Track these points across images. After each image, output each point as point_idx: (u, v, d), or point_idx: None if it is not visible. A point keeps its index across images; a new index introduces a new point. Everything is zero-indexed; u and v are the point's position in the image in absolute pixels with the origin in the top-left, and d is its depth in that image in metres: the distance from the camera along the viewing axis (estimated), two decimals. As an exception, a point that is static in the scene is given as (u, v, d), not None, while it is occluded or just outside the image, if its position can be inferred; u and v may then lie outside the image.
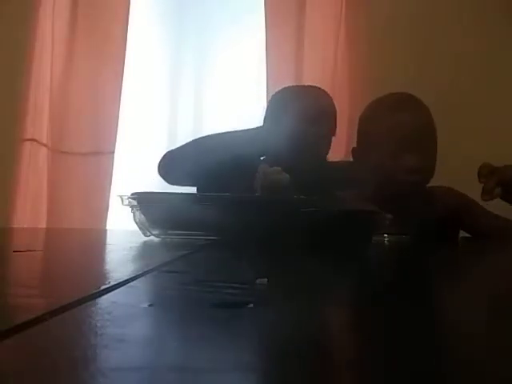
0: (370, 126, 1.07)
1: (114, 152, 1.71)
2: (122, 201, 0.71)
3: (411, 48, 1.63)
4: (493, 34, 1.59)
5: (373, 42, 1.63)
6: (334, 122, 1.20)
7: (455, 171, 1.30)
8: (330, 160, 1.51)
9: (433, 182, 1.13)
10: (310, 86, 1.31)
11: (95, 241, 0.88)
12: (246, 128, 1.19)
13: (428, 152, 1.02)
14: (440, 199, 1.11)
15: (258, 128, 1.19)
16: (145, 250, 0.63)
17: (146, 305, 0.26)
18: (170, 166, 1.14)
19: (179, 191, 1.14)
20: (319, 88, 1.28)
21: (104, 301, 0.25)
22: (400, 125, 1.00)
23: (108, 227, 1.67)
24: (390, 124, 1.02)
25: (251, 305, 0.25)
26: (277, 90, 1.31)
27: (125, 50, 1.72)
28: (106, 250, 0.67)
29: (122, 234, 1.05)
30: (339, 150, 1.64)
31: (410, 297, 0.32)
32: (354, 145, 1.21)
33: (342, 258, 0.50)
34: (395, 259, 0.62)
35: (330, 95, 1.26)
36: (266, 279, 0.31)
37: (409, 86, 1.56)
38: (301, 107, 1.18)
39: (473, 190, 1.05)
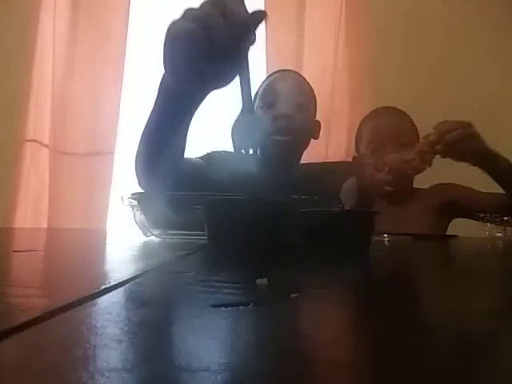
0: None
1: (114, 152, 1.71)
2: (122, 201, 0.71)
3: (411, 48, 1.63)
4: (493, 33, 1.59)
5: (373, 42, 1.63)
6: (304, 101, 1.18)
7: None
8: (330, 161, 1.50)
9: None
10: (284, 70, 1.29)
11: (95, 241, 0.88)
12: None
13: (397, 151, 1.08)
14: (431, 194, 1.13)
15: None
16: (145, 249, 0.63)
17: (145, 305, 0.26)
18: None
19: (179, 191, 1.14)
20: (289, 71, 1.27)
21: (104, 301, 0.25)
22: (367, 131, 1.17)
23: (108, 227, 1.68)
24: (360, 131, 1.21)
25: (251, 305, 0.25)
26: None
27: (125, 50, 1.72)
28: (106, 250, 0.67)
29: (122, 234, 1.06)
30: (339, 150, 1.64)
31: (410, 297, 0.32)
32: (353, 145, 1.23)
33: (342, 257, 0.50)
34: (395, 259, 0.62)
35: (301, 79, 1.23)
36: (265, 279, 0.31)
37: (408, 86, 1.56)
38: (259, 95, 1.20)
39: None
